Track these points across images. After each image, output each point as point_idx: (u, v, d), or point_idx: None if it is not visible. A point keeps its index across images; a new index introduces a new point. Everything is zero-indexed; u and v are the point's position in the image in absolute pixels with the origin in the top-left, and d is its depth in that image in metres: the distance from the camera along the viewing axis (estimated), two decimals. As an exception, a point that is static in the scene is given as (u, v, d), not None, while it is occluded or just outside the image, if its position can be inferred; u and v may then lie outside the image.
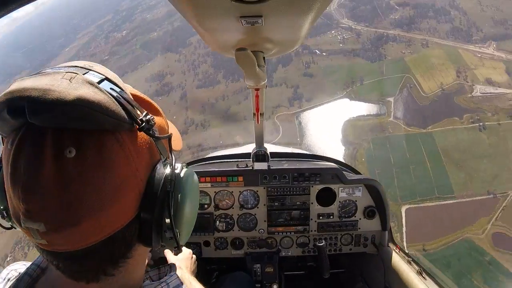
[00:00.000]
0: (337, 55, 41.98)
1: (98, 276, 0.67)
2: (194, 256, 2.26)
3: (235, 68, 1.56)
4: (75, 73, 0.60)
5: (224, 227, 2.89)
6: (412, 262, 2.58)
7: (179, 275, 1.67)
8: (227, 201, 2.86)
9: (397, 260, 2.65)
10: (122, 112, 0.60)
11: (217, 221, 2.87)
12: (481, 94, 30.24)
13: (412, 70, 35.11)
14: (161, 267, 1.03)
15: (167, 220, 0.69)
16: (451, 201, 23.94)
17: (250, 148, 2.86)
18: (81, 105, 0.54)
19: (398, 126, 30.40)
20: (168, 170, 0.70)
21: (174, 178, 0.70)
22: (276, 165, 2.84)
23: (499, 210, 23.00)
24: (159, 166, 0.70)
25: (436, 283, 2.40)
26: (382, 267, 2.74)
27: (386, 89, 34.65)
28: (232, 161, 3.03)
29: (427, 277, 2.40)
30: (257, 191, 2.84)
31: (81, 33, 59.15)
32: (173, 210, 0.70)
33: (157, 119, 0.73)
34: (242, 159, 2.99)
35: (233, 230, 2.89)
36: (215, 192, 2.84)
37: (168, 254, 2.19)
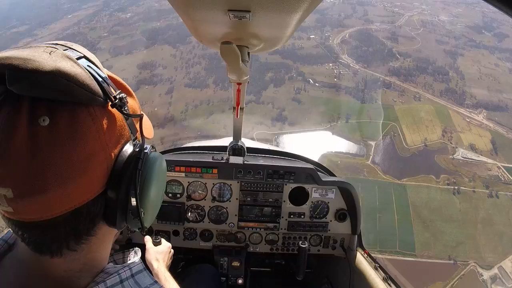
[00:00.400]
0: (329, 89, 41.94)
1: (61, 249, 0.69)
2: (172, 250, 2.28)
3: (227, 77, 1.56)
4: (55, 48, 0.64)
5: (195, 218, 2.90)
6: (379, 269, 2.68)
7: (155, 268, 1.96)
8: (199, 192, 2.86)
9: (364, 265, 2.76)
10: (97, 87, 0.64)
11: (188, 212, 2.87)
12: (462, 158, 30.05)
13: (399, 119, 35.00)
14: (126, 251, 1.04)
15: (133, 200, 0.72)
16: (410, 259, 23.02)
17: (227, 141, 2.87)
18: (58, 76, 0.58)
19: (374, 171, 29.85)
20: (137, 150, 0.74)
21: (142, 158, 0.73)
22: (251, 160, 2.85)
23: (457, 278, 22.22)
24: (129, 145, 0.73)
25: None
26: (348, 270, 2.78)
27: (369, 132, 34.31)
28: (209, 153, 3.00)
29: (392, 285, 2.51)
30: (231, 184, 2.83)
31: (88, 4, 57.60)
32: (139, 189, 0.72)
33: (130, 101, 0.77)
34: (219, 152, 2.97)
35: (203, 222, 2.90)
36: (188, 182, 2.82)
37: (148, 244, 2.20)
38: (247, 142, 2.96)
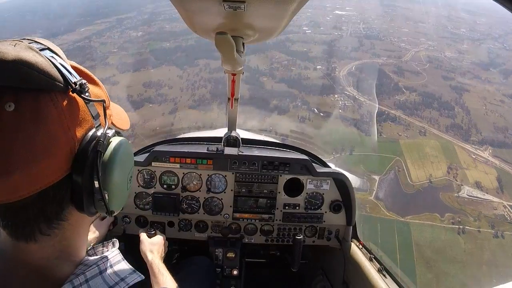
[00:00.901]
0: (334, 119, 42.21)
1: (34, 233, 0.74)
2: (166, 242, 2.42)
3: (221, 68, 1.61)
4: (20, 41, 0.70)
5: (190, 209, 2.95)
6: (373, 259, 2.64)
7: (149, 259, 2.08)
8: (194, 183, 2.91)
9: (359, 256, 2.74)
10: (57, 74, 0.70)
11: (183, 203, 2.93)
12: (467, 196, 29.65)
13: (404, 154, 34.92)
14: (105, 242, 1.05)
15: (96, 183, 0.76)
16: (411, 302, 22.04)
17: (222, 132, 2.89)
18: (20, 64, 0.63)
19: (377, 207, 29.54)
20: (98, 134, 0.77)
21: (104, 141, 0.77)
22: (246, 151, 2.87)
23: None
24: (93, 130, 0.78)
25: (396, 282, 2.42)
26: (343, 262, 2.83)
27: (373, 166, 34.13)
28: (203, 144, 3.02)
29: (387, 275, 2.48)
30: (226, 175, 2.88)
31: (102, 20, 59.94)
32: (101, 172, 0.76)
33: (94, 89, 0.84)
34: (213, 143, 2.98)
35: (198, 213, 2.95)
36: (183, 173, 2.87)
37: (142, 236, 2.34)
38: (241, 133, 2.97)
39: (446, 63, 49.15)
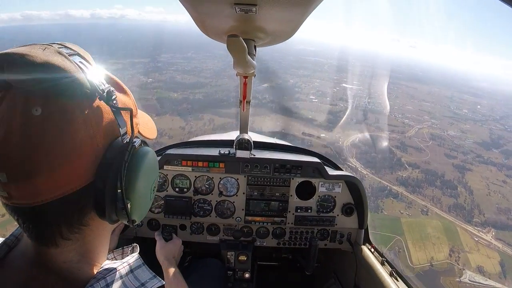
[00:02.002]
0: (335, 192, 42.88)
1: (55, 237, 0.77)
2: (182, 246, 2.57)
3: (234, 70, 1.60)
4: (50, 45, 0.72)
5: (202, 213, 3.02)
6: (385, 263, 2.69)
7: (166, 264, 2.23)
8: (206, 186, 2.99)
9: (371, 260, 2.77)
10: (85, 80, 0.71)
11: (195, 206, 3.00)
12: (469, 282, 28.78)
13: (405, 234, 34.60)
14: (125, 247, 1.11)
15: (119, 192, 0.78)
16: None
17: (234, 135, 2.98)
18: (49, 68, 0.66)
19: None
20: (125, 143, 0.80)
21: (130, 150, 0.79)
22: (258, 154, 2.95)
23: None
24: (119, 138, 0.80)
25: (408, 285, 2.45)
26: (355, 265, 2.86)
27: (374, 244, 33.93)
28: (215, 147, 3.09)
29: (399, 279, 2.50)
30: (238, 179, 2.96)
31: (114, 59, 63.11)
32: (125, 181, 0.78)
33: (122, 97, 0.87)
34: (225, 146, 3.07)
35: (210, 216, 3.02)
36: (195, 176, 2.96)
37: (159, 240, 2.54)
38: (253, 136, 3.04)
39: (449, 141, 50.54)
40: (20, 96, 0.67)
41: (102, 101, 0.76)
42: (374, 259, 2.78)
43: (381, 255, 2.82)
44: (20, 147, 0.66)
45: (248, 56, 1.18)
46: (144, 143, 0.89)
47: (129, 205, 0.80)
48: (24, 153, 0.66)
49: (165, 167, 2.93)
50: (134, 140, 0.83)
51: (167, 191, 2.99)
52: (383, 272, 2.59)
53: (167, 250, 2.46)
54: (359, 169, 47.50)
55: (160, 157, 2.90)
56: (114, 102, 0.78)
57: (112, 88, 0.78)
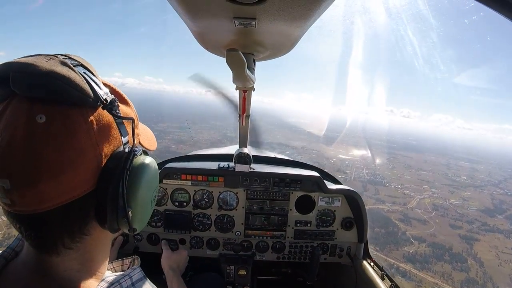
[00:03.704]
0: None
1: (57, 246, 0.80)
2: (188, 257, 2.68)
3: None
4: (55, 56, 0.77)
5: (201, 227, 3.07)
6: (385, 277, 2.72)
7: (171, 275, 2.36)
8: (206, 200, 3.03)
9: (371, 274, 2.84)
10: (89, 90, 0.76)
11: (195, 220, 3.06)
12: None
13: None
14: (125, 258, 1.15)
15: (121, 200, 0.82)
16: None
17: (233, 149, 3.06)
18: (53, 77, 0.70)
19: None
20: (127, 151, 0.85)
21: (131, 158, 0.84)
22: (258, 168, 3.01)
23: None
24: (120, 147, 0.85)
25: None
26: (354, 279, 2.96)
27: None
28: (215, 161, 3.15)
29: None
30: (237, 193, 3.02)
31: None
32: (127, 189, 0.83)
33: (124, 108, 0.93)
34: (225, 160, 3.13)
35: (209, 230, 3.08)
36: (195, 190, 3.01)
37: (166, 250, 2.64)
38: (253, 150, 3.10)
39: (452, 210, 50.72)
40: (25, 103, 0.71)
41: (105, 110, 0.80)
42: (374, 273, 2.83)
43: (381, 269, 2.85)
44: (24, 154, 0.68)
45: (248, 70, 1.21)
46: (145, 152, 0.94)
47: (130, 213, 0.84)
48: (28, 160, 0.69)
49: (164, 181, 3.01)
50: (136, 149, 0.87)
51: (166, 205, 3.07)
52: (383, 286, 2.63)
53: (172, 260, 2.56)
54: (363, 246, 46.49)
55: (159, 171, 2.91)
56: (117, 111, 0.83)
57: (115, 98, 0.82)
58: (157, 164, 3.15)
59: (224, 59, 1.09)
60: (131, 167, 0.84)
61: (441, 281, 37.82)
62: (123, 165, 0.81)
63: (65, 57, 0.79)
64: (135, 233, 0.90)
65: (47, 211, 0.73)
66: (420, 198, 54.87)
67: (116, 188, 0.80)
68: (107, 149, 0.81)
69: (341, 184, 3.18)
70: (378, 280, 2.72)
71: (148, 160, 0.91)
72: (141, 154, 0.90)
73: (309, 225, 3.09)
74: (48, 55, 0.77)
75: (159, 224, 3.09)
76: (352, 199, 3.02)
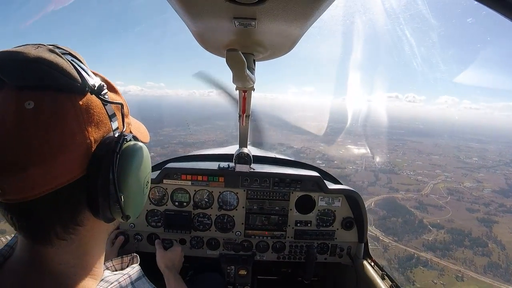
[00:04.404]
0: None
1: (50, 237, 0.80)
2: (183, 253, 2.70)
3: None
4: (42, 44, 0.77)
5: (201, 227, 3.07)
6: (386, 277, 2.73)
7: (167, 272, 2.39)
8: (206, 200, 3.04)
9: (371, 273, 2.84)
10: (77, 76, 0.76)
11: (195, 220, 3.06)
12: None
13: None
14: (124, 256, 1.15)
15: (112, 186, 0.81)
16: None
17: (233, 149, 3.06)
18: (41, 63, 0.71)
19: None
20: (116, 136, 0.83)
21: (120, 142, 0.82)
22: (258, 168, 3.02)
23: None
24: (110, 133, 0.84)
25: None
26: (355, 279, 2.96)
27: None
28: (215, 161, 3.17)
29: None
30: (237, 193, 3.03)
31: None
32: (117, 173, 0.81)
33: (113, 95, 0.92)
34: (225, 160, 3.15)
35: (209, 230, 3.09)
36: (195, 190, 3.02)
37: (159, 249, 2.65)
38: (253, 150, 3.10)
39: (467, 194, 50.37)
40: (13, 90, 0.71)
41: (93, 95, 0.80)
42: (374, 273, 2.84)
43: (381, 269, 2.86)
44: (13, 140, 0.69)
45: (248, 70, 1.21)
46: (135, 138, 0.93)
47: (122, 198, 0.82)
48: (17, 146, 0.69)
49: (164, 181, 3.01)
50: (126, 134, 0.86)
51: (166, 205, 3.08)
52: (383, 286, 2.63)
53: (167, 258, 2.57)
54: (380, 237, 46.04)
55: (159, 171, 2.99)
56: (106, 96, 0.83)
57: (103, 83, 0.83)
58: (157, 164, 3.04)
59: (224, 60, 1.09)
60: (121, 151, 0.83)
61: (464, 268, 37.72)
62: (113, 149, 0.80)
63: (53, 46, 0.79)
64: (128, 220, 0.89)
65: (37, 199, 0.73)
66: (434, 183, 54.40)
67: (107, 173, 0.79)
68: (97, 134, 0.80)
69: (341, 184, 3.19)
70: (378, 280, 2.73)
71: (137, 144, 0.90)
72: (130, 139, 0.89)
73: (309, 225, 3.10)
74: (36, 44, 0.78)
75: (159, 224, 3.10)
76: (352, 199, 3.02)
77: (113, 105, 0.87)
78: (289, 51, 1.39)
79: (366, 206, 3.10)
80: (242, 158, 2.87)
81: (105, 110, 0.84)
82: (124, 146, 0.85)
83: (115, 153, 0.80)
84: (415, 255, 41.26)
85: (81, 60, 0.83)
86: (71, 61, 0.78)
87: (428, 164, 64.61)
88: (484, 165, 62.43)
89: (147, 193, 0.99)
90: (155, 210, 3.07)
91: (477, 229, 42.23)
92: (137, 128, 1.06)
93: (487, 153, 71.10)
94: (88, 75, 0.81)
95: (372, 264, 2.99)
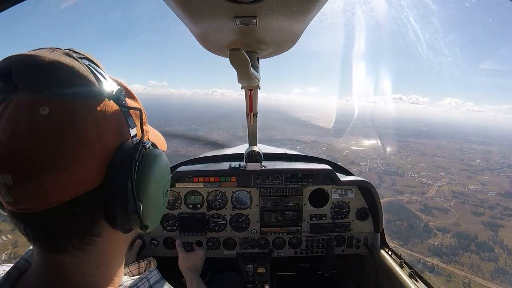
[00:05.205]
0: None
1: (66, 246, 0.76)
2: (204, 256, 2.68)
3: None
4: (58, 48, 0.75)
5: (217, 227, 3.10)
6: (404, 265, 2.74)
7: (189, 275, 2.35)
8: (219, 201, 3.06)
9: (390, 262, 2.84)
10: (94, 81, 0.74)
11: (210, 221, 3.09)
12: None
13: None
14: (141, 261, 1.14)
15: (131, 195, 0.77)
16: None
17: (243, 148, 3.12)
18: (57, 68, 0.69)
19: None
20: (135, 143, 0.80)
21: (140, 150, 0.79)
22: (269, 165, 3.04)
23: None
24: (129, 140, 0.80)
25: (428, 286, 2.49)
26: (374, 269, 2.97)
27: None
28: (226, 161, 3.19)
29: (419, 280, 2.55)
30: (250, 191, 3.05)
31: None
32: (136, 181, 0.77)
33: (131, 102, 0.89)
34: (235, 159, 3.18)
35: (225, 230, 3.12)
36: (208, 192, 3.04)
37: (181, 252, 2.62)
38: (263, 148, 3.06)
39: (472, 197, 50.08)
40: (28, 95, 0.68)
41: (111, 100, 0.77)
42: (392, 262, 2.83)
43: (399, 257, 2.87)
44: (27, 147, 0.66)
45: (252, 69, 1.20)
46: (154, 145, 0.91)
47: (141, 207, 0.78)
48: (31, 153, 0.66)
49: (176, 184, 3.03)
50: (145, 141, 0.83)
51: (180, 208, 3.09)
52: (402, 274, 2.63)
53: (189, 261, 2.55)
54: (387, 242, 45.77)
55: (171, 175, 3.15)
56: (124, 102, 0.79)
57: (121, 89, 0.79)
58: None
59: (228, 59, 1.09)
60: (140, 159, 0.80)
61: (471, 274, 37.59)
62: (131, 157, 0.77)
63: (69, 50, 0.77)
64: (147, 230, 0.85)
65: (52, 209, 0.70)
66: (438, 186, 54.08)
67: (125, 181, 0.76)
68: (114, 141, 0.77)
69: (353, 175, 3.21)
70: (397, 268, 2.73)
71: (157, 151, 0.88)
72: (150, 147, 0.86)
73: (324, 218, 3.11)
74: (52, 47, 0.75)
75: (175, 228, 3.13)
76: (365, 189, 3.04)
77: (131, 111, 0.85)
78: (292, 47, 1.39)
79: None
80: (253, 156, 2.88)
81: (123, 117, 0.81)
82: (144, 153, 0.82)
83: (134, 161, 0.77)
84: (421, 260, 41.06)
85: (98, 64, 0.81)
86: (88, 66, 0.76)
87: (432, 166, 64.37)
88: (488, 167, 62.23)
89: (166, 202, 0.97)
90: (170, 214, 3.11)
91: (483, 233, 42.00)
92: (155, 136, 1.03)
93: (490, 155, 71.05)
94: (106, 80, 0.78)
95: (390, 253, 3.00)
